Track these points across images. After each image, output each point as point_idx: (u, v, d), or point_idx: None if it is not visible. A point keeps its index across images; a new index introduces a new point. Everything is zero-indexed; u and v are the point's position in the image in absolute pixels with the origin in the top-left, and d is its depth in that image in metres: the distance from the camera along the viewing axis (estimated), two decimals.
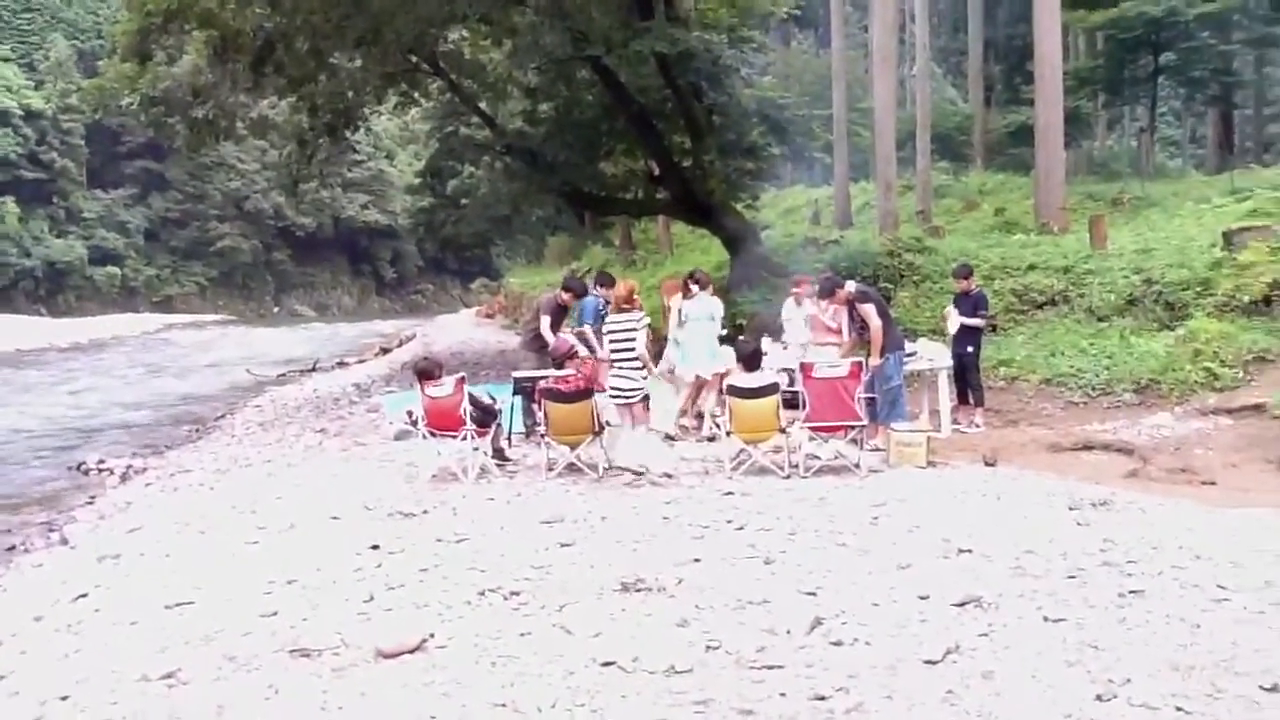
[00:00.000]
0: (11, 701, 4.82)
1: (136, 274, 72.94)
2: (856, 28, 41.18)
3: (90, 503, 11.18)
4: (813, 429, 9.43)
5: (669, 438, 10.77)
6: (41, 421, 19.11)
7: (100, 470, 13.40)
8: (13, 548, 9.61)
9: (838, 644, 4.82)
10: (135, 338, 45.69)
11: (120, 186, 74.21)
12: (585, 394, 9.57)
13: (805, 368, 9.66)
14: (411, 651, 4.98)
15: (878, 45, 25.67)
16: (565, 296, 12.48)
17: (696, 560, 6.40)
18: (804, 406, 9.44)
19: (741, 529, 7.24)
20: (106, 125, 61.82)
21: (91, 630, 5.96)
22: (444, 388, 9.96)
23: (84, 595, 6.79)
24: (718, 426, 10.47)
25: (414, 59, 21.11)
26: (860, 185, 35.68)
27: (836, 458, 9.46)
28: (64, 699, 4.77)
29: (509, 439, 10.69)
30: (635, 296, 10.99)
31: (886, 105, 24.75)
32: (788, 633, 4.98)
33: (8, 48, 70.06)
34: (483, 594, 5.87)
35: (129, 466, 13.34)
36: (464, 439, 9.74)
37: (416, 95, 24.10)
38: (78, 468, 13.79)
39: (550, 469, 9.64)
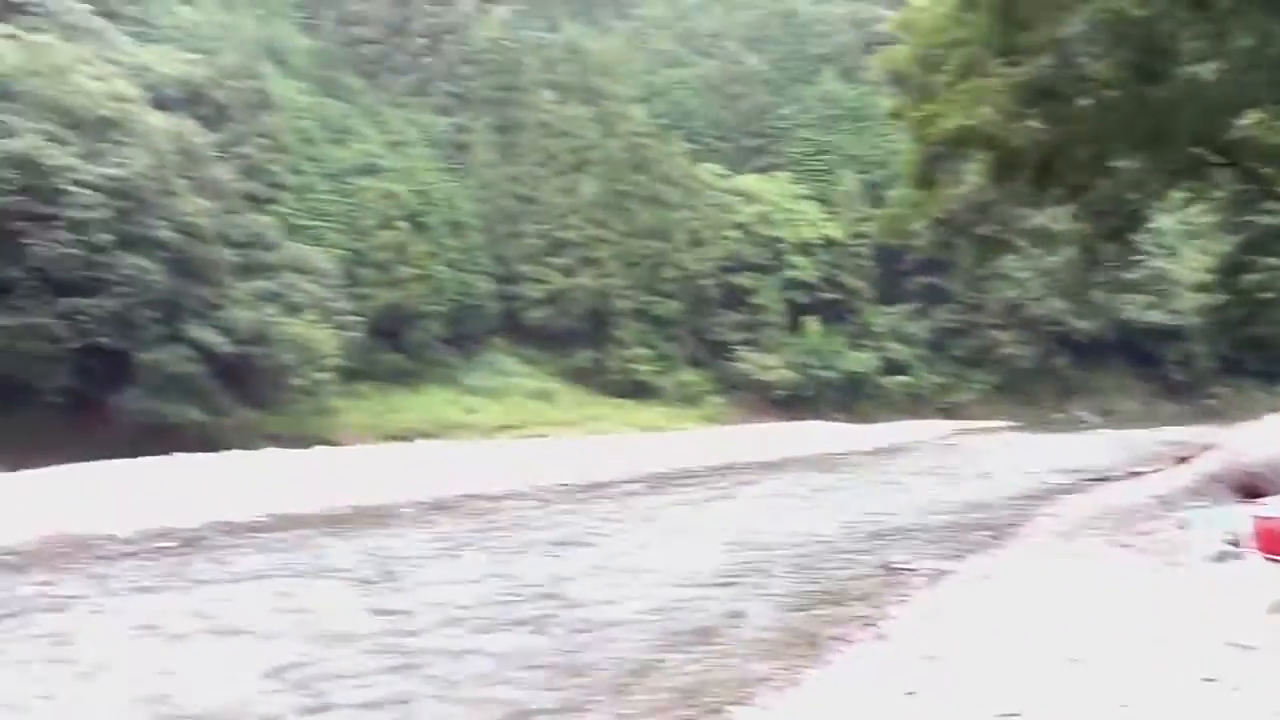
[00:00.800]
0: None
1: (923, 382, 77.30)
2: None
3: (903, 601, 11.85)
4: None
5: None
6: (846, 521, 20.75)
7: (907, 570, 14.19)
8: (837, 638, 10.55)
9: None
10: (926, 443, 48.14)
11: (904, 301, 79.79)
12: None
13: None
14: None
15: None
16: None
17: None
18: None
19: None
20: (889, 246, 66.98)
21: None
22: (1276, 506, 8.97)
23: (911, 693, 7.21)
24: None
25: (1201, 151, 19.77)
26: None
27: None
28: None
29: None
30: None
31: None
32: None
33: (807, 187, 79.80)
34: None
35: (934, 569, 13.96)
36: None
37: (1205, 188, 22.54)
38: (886, 567, 14.74)
39: None
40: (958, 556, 15.09)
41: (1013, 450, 41.20)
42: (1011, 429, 59.35)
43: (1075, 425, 64.58)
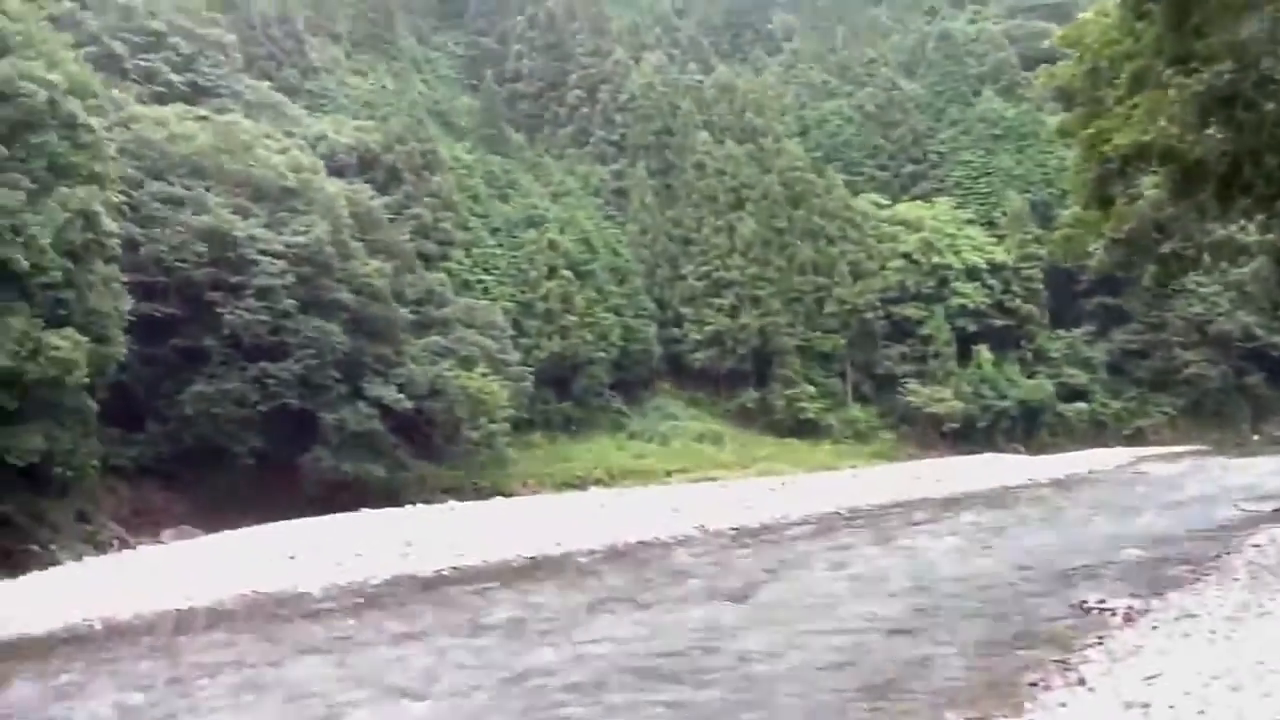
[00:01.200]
0: None
1: (1104, 408, 73.76)
2: None
3: (1099, 643, 11.30)
4: None
5: None
6: (1028, 559, 19.89)
7: (1101, 610, 13.53)
8: (1034, 684, 10.09)
9: None
10: (1109, 472, 45.95)
11: (1079, 324, 76.52)
12: None
13: None
14: None
15: None
16: None
17: None
18: None
19: None
20: (1061, 268, 64.53)
21: None
22: None
23: None
24: None
25: None
26: None
27: None
28: None
29: None
30: None
31: None
32: None
33: (971, 211, 77.72)
34: None
35: (1129, 607, 13.29)
36: None
37: None
38: (1079, 606, 14.08)
39: None
40: (1155, 594, 14.31)
41: (1206, 477, 38.82)
42: (1202, 454, 56.11)
43: (1273, 447, 60.64)
